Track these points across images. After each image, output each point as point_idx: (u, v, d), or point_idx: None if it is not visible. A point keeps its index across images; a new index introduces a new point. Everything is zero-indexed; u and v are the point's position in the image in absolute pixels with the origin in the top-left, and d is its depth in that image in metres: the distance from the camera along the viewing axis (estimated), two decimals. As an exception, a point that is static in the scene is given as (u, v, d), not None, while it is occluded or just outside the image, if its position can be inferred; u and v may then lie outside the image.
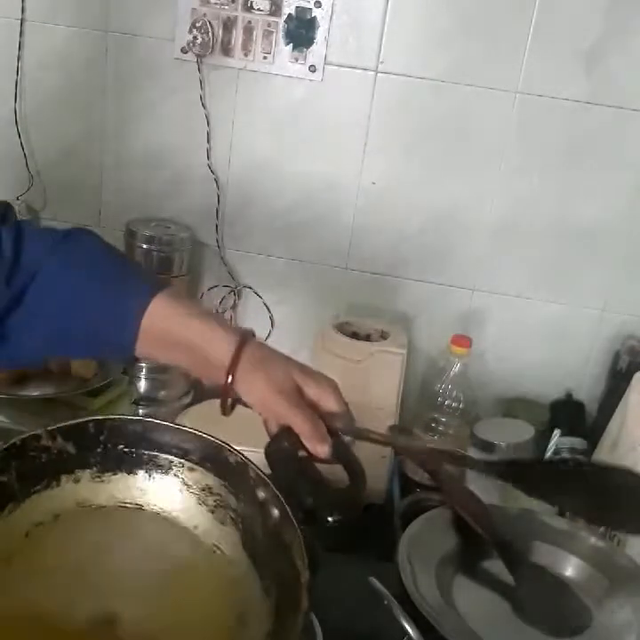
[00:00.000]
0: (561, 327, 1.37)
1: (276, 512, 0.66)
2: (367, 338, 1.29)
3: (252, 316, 1.44)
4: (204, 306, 0.75)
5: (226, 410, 0.72)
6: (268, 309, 1.43)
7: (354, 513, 0.69)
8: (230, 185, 1.38)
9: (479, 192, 1.32)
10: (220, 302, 1.43)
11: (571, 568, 0.78)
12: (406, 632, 0.63)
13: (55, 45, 1.33)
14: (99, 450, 0.70)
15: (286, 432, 0.69)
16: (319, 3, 1.25)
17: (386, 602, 0.65)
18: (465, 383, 1.26)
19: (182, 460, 0.71)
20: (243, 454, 0.69)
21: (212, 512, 0.71)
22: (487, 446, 1.13)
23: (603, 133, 1.26)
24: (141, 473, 0.71)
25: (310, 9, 1.26)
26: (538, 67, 1.24)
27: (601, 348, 1.36)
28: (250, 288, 1.43)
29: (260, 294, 1.43)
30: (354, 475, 0.70)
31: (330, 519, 0.66)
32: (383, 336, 1.28)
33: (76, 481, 0.69)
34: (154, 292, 0.74)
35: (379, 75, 1.28)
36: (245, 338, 0.72)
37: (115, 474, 0.71)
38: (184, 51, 1.30)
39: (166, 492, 0.72)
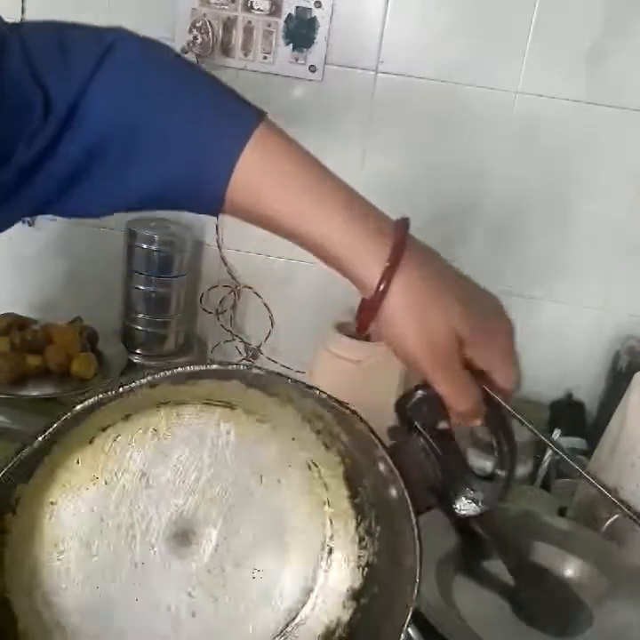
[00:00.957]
0: (561, 327, 1.37)
1: (393, 493, 0.55)
2: (367, 338, 1.29)
3: (251, 316, 1.44)
4: (320, 163, 0.58)
5: (362, 331, 0.57)
6: (268, 309, 1.43)
7: (488, 511, 0.61)
8: (230, 185, 1.37)
9: (479, 191, 1.32)
10: (220, 302, 1.44)
11: (571, 568, 0.78)
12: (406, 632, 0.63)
13: (55, 45, 1.33)
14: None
15: (428, 393, 0.57)
16: (319, 3, 1.25)
17: (386, 602, 0.65)
18: (465, 383, 1.25)
19: (294, 383, 0.52)
20: (374, 432, 0.55)
21: (318, 433, 0.56)
22: (487, 446, 1.12)
23: (603, 133, 1.26)
24: (236, 381, 0.53)
25: (310, 9, 1.26)
26: (538, 67, 1.24)
27: (601, 348, 1.36)
28: (250, 288, 1.43)
29: (260, 294, 1.43)
30: (503, 459, 0.62)
31: (462, 511, 0.59)
32: (383, 336, 1.28)
33: (152, 386, 0.51)
34: (249, 129, 0.54)
35: (379, 75, 1.28)
36: (399, 251, 0.53)
37: (202, 379, 0.53)
38: (184, 51, 1.29)
39: (264, 400, 0.55)
